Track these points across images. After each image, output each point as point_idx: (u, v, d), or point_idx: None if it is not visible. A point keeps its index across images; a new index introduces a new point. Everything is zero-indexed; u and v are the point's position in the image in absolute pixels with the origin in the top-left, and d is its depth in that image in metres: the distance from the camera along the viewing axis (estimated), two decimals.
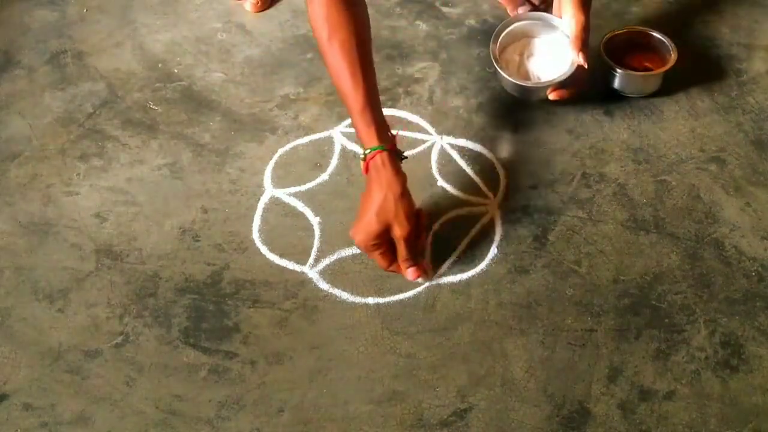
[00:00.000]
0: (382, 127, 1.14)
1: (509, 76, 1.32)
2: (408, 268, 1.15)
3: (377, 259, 1.16)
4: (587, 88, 1.33)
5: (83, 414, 1.07)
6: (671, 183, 1.27)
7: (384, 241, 1.14)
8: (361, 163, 1.14)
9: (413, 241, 1.14)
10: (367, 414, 1.06)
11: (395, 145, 1.16)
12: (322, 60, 1.16)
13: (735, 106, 1.36)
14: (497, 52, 1.34)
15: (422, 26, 1.52)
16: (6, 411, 1.07)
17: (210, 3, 1.59)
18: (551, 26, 1.34)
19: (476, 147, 1.33)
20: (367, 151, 1.13)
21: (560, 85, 1.30)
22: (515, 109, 1.37)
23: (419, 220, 1.16)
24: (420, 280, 1.17)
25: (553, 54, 1.34)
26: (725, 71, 1.41)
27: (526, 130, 1.34)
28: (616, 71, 1.35)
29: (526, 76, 1.34)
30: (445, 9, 1.55)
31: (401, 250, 1.14)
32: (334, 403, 1.07)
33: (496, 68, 1.33)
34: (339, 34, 1.13)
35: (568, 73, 1.29)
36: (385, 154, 1.13)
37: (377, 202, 1.12)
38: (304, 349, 1.12)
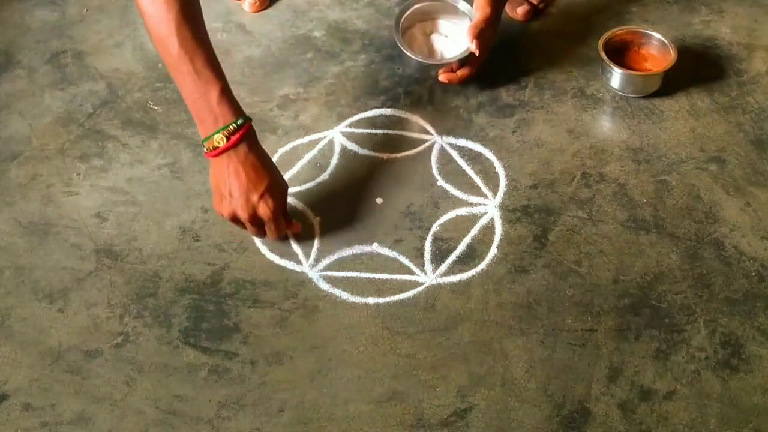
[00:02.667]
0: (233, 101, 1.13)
1: (412, 53, 1.36)
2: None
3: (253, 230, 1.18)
4: (474, 76, 1.37)
5: (83, 414, 1.07)
6: (671, 183, 1.27)
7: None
8: (219, 141, 1.11)
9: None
10: (367, 414, 1.06)
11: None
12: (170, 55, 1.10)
13: (735, 106, 1.36)
14: (401, 31, 1.39)
15: None
16: (6, 411, 1.07)
17: (210, 3, 1.58)
18: (454, 8, 1.41)
19: (476, 147, 1.33)
20: (239, 122, 1.12)
21: (450, 68, 1.35)
22: (515, 109, 1.37)
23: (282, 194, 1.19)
24: (421, 288, 1.17)
25: (454, 36, 1.40)
26: (725, 71, 1.41)
27: (526, 130, 1.34)
28: (616, 71, 1.35)
29: (429, 54, 1.40)
30: None
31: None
32: (334, 403, 1.07)
33: (399, 45, 1.37)
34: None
35: (459, 57, 1.34)
36: (251, 130, 1.14)
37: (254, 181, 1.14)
38: (304, 349, 1.12)
